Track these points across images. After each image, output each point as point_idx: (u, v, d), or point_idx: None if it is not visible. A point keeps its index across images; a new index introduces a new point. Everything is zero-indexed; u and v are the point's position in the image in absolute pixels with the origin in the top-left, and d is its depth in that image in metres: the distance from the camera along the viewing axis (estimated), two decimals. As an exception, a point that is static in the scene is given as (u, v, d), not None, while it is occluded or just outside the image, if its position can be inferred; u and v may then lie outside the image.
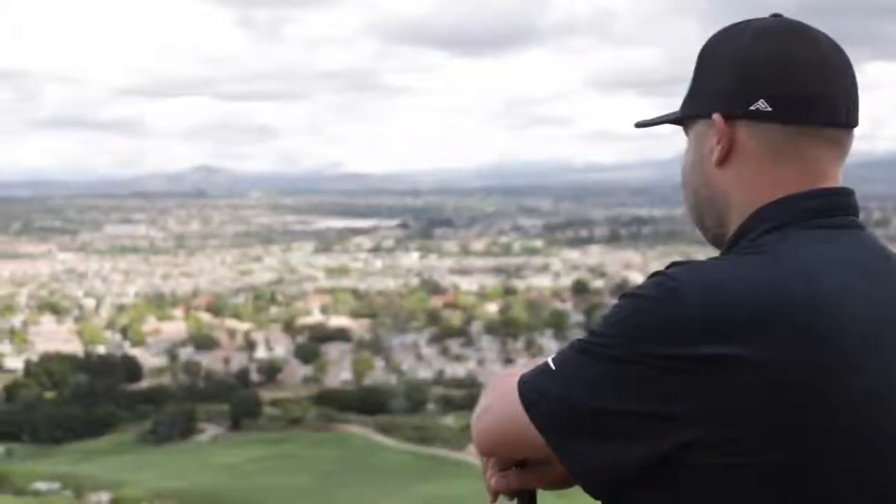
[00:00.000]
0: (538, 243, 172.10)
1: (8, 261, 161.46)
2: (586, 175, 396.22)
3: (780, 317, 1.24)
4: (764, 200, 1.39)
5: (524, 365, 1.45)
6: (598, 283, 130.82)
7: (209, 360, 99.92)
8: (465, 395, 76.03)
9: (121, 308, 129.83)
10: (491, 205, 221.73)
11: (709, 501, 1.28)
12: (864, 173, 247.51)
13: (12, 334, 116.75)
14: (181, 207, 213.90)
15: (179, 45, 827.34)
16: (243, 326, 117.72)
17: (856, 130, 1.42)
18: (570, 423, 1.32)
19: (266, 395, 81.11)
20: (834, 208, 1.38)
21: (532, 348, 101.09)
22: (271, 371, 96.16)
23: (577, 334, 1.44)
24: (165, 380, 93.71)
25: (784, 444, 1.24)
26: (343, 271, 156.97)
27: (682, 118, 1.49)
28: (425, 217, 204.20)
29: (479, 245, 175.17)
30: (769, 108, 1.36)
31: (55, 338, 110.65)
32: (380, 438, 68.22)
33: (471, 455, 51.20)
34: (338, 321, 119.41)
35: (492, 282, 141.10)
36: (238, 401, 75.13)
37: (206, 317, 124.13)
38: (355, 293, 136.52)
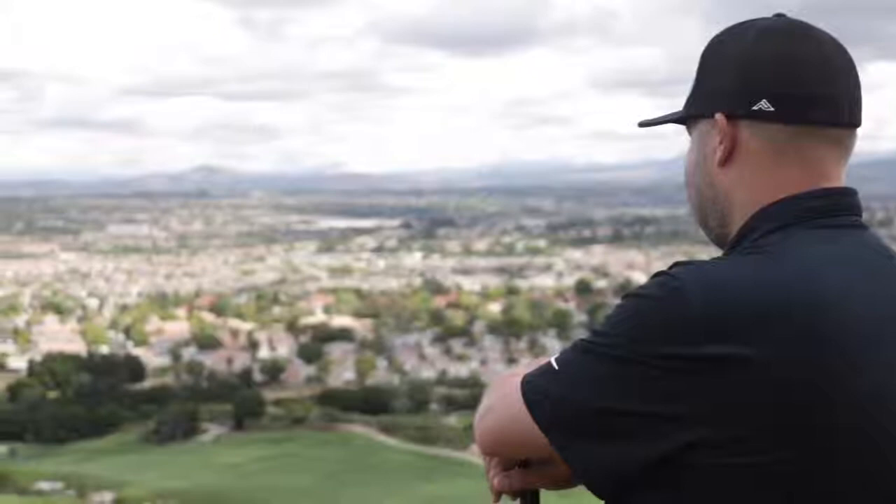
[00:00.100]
0: (541, 243, 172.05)
1: (11, 261, 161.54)
2: (588, 175, 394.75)
3: (782, 316, 1.25)
4: (767, 200, 1.40)
5: (527, 365, 1.46)
6: (601, 283, 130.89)
7: (212, 360, 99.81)
8: (467, 395, 75.86)
9: (124, 308, 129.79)
10: (493, 205, 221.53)
11: (713, 501, 1.28)
12: (867, 173, 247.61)
13: (16, 334, 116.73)
14: (183, 207, 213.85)
15: (181, 44, 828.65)
16: (246, 326, 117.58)
17: (859, 130, 1.43)
18: (574, 423, 1.32)
19: (269, 394, 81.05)
20: (837, 208, 1.39)
21: (535, 348, 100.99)
22: (274, 371, 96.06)
23: (580, 334, 1.44)
24: (168, 380, 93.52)
25: (790, 444, 1.24)
26: (346, 271, 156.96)
27: (685, 118, 1.50)
28: (428, 217, 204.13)
29: (481, 245, 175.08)
30: (772, 108, 1.37)
31: (58, 338, 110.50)
32: (383, 438, 68.26)
33: (474, 455, 51.27)
34: (341, 321, 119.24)
35: (495, 282, 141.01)
36: (241, 401, 75.19)
37: (209, 317, 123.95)
38: (358, 293, 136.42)
